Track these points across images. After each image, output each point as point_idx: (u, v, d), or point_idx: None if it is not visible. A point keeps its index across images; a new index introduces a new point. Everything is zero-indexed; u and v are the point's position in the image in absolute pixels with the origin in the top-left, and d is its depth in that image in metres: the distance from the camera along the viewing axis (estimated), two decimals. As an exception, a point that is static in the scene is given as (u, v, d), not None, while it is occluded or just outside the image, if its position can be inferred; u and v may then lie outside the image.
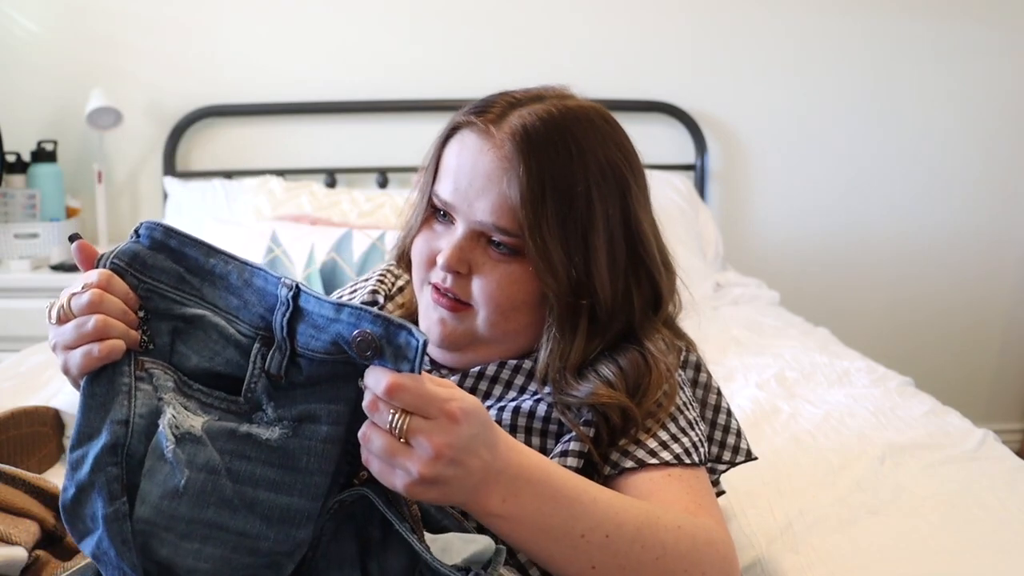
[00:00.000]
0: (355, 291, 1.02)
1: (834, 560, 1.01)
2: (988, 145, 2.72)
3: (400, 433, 0.60)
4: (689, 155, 2.64)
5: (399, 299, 1.00)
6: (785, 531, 1.08)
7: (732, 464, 0.93)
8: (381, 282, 1.01)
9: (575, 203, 0.81)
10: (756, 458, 0.94)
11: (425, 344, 0.60)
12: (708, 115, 2.65)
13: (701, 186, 2.62)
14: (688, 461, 0.81)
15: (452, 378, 0.87)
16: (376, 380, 0.60)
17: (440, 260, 0.83)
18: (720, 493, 0.93)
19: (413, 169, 0.93)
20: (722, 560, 0.74)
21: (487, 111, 0.83)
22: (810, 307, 2.45)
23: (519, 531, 0.67)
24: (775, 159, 2.70)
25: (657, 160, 2.59)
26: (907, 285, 2.79)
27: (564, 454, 0.80)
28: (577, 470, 0.79)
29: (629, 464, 0.80)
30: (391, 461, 0.60)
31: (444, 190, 0.84)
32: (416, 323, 0.91)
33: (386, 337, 0.60)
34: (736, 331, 2.01)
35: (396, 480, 0.61)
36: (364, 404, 0.61)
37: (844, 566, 1.00)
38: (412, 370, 0.60)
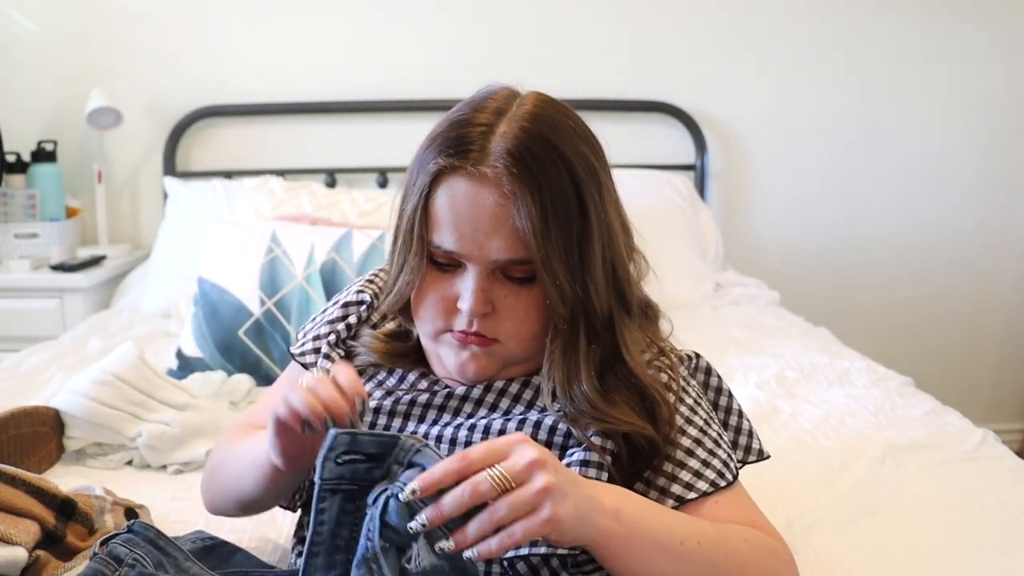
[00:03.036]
0: (339, 299, 0.99)
1: (834, 560, 1.01)
2: (988, 145, 2.71)
3: (507, 482, 0.64)
4: (689, 155, 2.64)
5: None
6: (785, 531, 1.07)
7: (744, 463, 0.93)
8: (371, 282, 0.98)
9: (571, 215, 0.79)
10: (768, 456, 0.94)
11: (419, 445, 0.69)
12: (708, 115, 2.65)
13: (701, 186, 2.62)
14: (724, 484, 0.82)
15: (460, 389, 0.87)
16: (440, 473, 0.65)
17: (465, 307, 0.80)
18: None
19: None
20: (788, 568, 0.80)
21: (466, 150, 0.79)
22: (810, 307, 2.45)
23: (635, 544, 0.70)
24: (775, 159, 2.69)
25: (657, 160, 2.59)
26: (907, 285, 2.78)
27: (585, 464, 0.79)
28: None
29: (670, 503, 0.81)
30: (529, 505, 0.64)
31: (446, 240, 0.80)
32: (418, 348, 0.91)
33: (403, 463, 0.69)
34: (736, 331, 2.01)
35: (543, 513, 0.64)
36: (463, 499, 0.64)
37: (844, 566, 1.00)
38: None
